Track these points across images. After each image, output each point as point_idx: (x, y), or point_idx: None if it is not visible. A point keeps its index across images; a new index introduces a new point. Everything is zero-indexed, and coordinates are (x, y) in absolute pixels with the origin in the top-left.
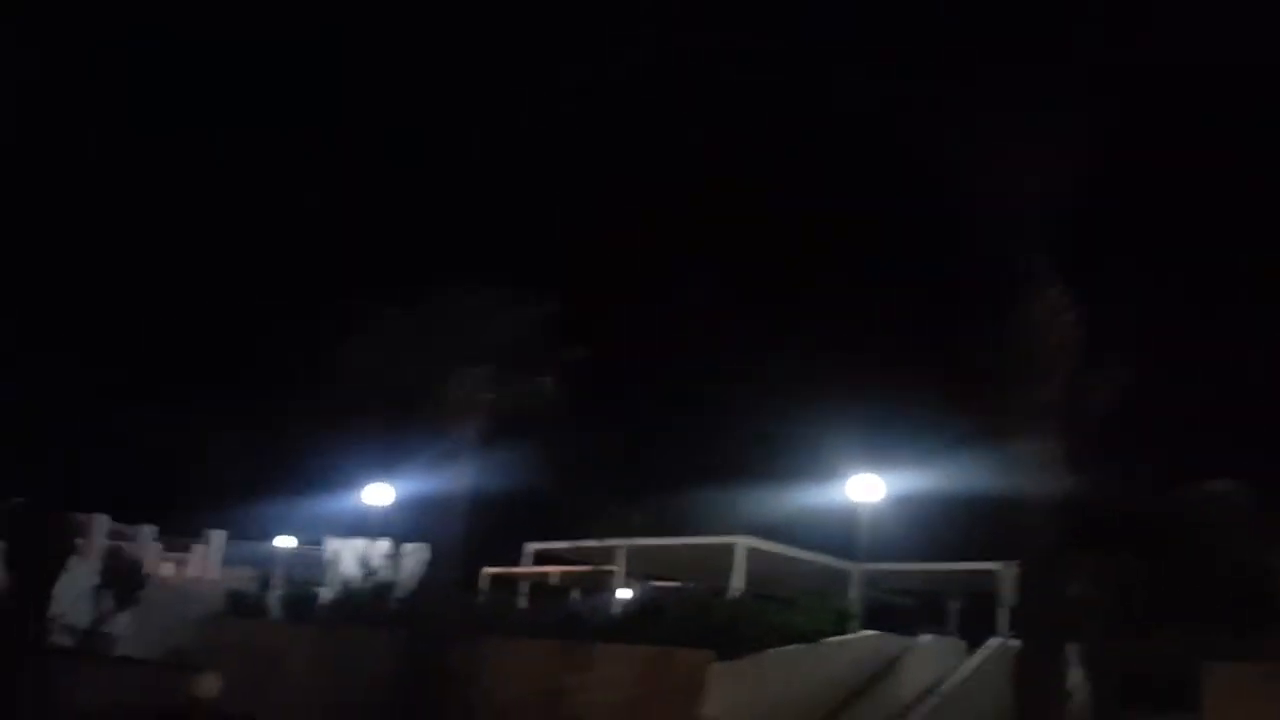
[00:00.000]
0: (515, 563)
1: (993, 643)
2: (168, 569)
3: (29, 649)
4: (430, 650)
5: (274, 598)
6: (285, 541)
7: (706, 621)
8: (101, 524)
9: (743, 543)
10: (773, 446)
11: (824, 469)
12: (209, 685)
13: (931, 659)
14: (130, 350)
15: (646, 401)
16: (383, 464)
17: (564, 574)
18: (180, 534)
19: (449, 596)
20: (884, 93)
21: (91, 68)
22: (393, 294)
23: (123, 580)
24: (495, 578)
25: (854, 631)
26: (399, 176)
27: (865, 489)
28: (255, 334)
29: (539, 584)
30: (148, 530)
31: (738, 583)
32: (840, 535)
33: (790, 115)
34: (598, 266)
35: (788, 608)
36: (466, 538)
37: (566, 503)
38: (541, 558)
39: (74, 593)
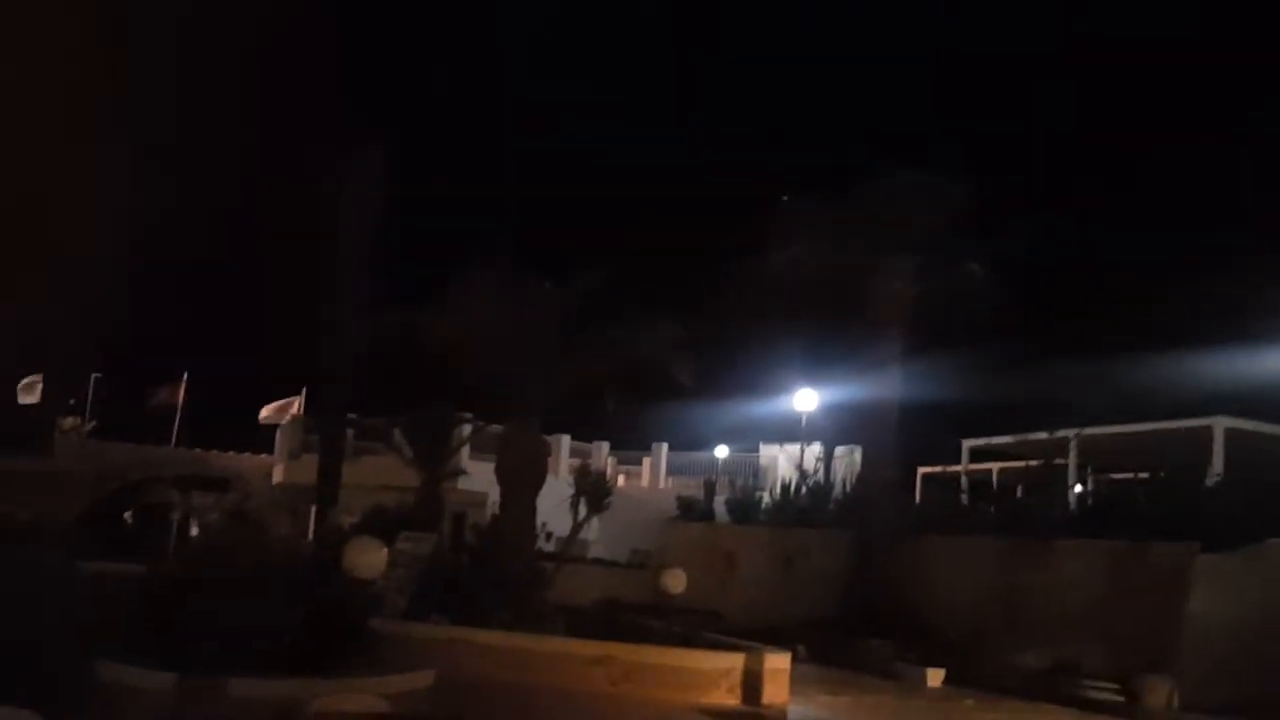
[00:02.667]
0: (952, 461)
1: None
2: (621, 480)
3: (523, 553)
4: (873, 549)
5: (719, 503)
6: (721, 450)
7: (1185, 513)
8: (564, 443)
9: (1221, 423)
10: (1252, 307)
11: None
12: (677, 581)
13: None
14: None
15: (1097, 272)
16: (811, 366)
17: (1004, 470)
18: (629, 448)
19: (887, 496)
20: None
21: None
22: (819, 189)
23: (592, 491)
24: (930, 477)
25: None
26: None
27: None
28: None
29: (978, 482)
30: (604, 445)
31: (1217, 468)
32: None
33: None
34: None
35: None
36: (899, 437)
37: (1006, 395)
38: (979, 454)
39: (552, 504)
